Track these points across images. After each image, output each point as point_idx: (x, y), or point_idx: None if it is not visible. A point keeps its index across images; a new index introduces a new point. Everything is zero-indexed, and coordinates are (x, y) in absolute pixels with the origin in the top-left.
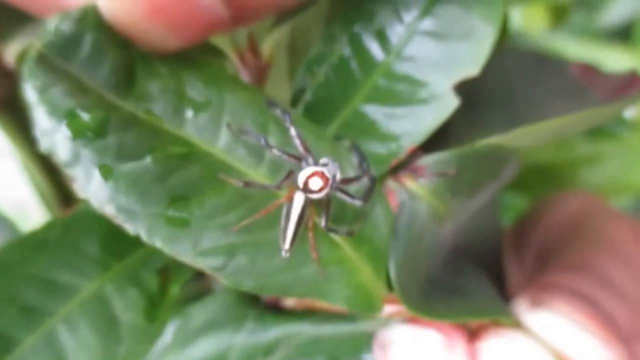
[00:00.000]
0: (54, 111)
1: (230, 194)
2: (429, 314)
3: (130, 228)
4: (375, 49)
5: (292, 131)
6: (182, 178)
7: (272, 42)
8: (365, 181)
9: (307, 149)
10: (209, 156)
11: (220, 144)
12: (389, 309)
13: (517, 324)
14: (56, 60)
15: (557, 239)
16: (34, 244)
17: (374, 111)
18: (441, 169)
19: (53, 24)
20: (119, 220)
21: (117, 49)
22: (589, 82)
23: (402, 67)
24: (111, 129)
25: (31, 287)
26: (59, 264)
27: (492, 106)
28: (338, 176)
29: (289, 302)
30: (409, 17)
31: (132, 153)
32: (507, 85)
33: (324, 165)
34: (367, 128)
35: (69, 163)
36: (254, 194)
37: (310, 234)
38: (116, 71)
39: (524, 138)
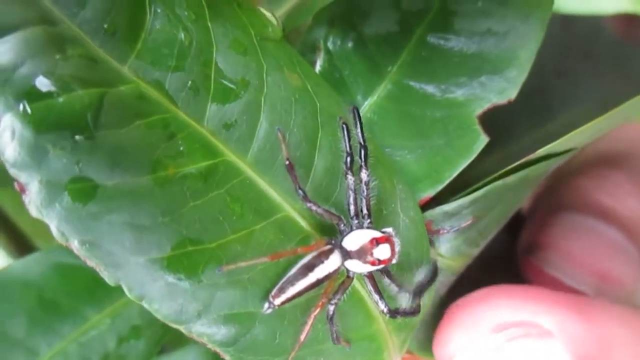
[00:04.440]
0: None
1: (260, 239)
2: None
3: (108, 277)
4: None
5: (365, 175)
6: (198, 212)
7: None
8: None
9: (369, 207)
10: (237, 175)
11: (253, 153)
12: None
13: None
14: None
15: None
16: None
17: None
18: (459, 217)
19: None
20: (93, 263)
21: None
22: (632, 37)
23: (414, 85)
24: (104, 119)
25: None
26: None
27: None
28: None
29: None
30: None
31: (130, 164)
32: (535, 64)
33: (390, 235)
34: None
35: (18, 164)
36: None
37: (317, 312)
38: (114, 9)
39: (572, 141)
